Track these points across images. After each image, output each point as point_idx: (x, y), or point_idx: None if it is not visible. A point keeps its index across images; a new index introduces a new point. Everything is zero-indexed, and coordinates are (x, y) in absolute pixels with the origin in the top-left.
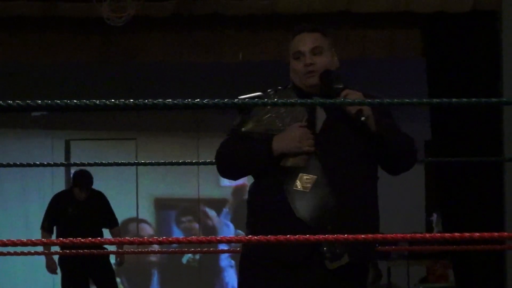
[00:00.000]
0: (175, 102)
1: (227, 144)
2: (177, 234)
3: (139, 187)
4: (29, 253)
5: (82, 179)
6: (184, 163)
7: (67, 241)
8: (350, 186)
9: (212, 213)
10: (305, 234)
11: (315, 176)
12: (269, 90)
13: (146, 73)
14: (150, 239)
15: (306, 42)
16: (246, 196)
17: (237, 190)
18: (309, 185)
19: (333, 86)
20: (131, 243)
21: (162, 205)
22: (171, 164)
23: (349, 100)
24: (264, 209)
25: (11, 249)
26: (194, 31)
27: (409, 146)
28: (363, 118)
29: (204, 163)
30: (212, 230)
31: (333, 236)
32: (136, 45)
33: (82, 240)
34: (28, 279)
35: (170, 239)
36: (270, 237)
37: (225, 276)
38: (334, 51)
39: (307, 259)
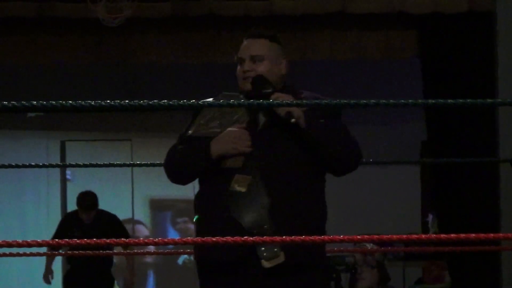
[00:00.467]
0: (171, 103)
1: (173, 149)
2: (173, 235)
3: (134, 188)
4: (25, 254)
5: (84, 201)
6: None
7: (63, 242)
8: (286, 186)
9: None
10: (242, 234)
11: (250, 177)
12: (224, 93)
13: (141, 74)
14: (146, 240)
15: (248, 48)
16: None
17: None
18: (244, 185)
19: (262, 91)
20: (126, 244)
21: (157, 206)
22: None
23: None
24: (206, 210)
25: (6, 250)
26: (189, 32)
27: (347, 148)
28: (292, 120)
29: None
30: None
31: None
32: (131, 46)
33: (84, 241)
34: (24, 281)
35: (165, 240)
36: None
37: None
38: (283, 57)
39: (244, 259)
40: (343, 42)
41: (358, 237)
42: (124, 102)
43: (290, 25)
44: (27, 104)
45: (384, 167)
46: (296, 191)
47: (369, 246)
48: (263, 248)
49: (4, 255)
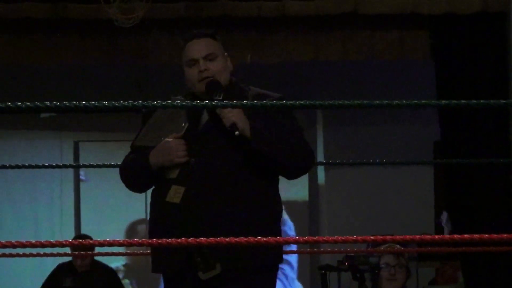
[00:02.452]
0: (184, 103)
1: (124, 159)
2: None
3: None
4: (38, 255)
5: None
6: None
7: (76, 242)
8: (225, 194)
9: None
10: (178, 248)
11: (183, 188)
12: (172, 97)
13: (154, 75)
14: (159, 241)
15: (199, 49)
16: None
17: None
18: (178, 196)
19: (213, 97)
20: (140, 244)
21: None
22: None
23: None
24: (150, 221)
25: (20, 250)
26: None
27: (296, 153)
28: (236, 133)
29: None
30: None
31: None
32: (145, 47)
33: (90, 241)
34: (37, 281)
35: (179, 241)
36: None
37: None
38: (227, 54)
39: (181, 270)
40: (355, 42)
41: (371, 237)
42: (138, 102)
43: (302, 26)
44: (40, 104)
45: (397, 168)
46: (237, 198)
47: (397, 246)
48: (199, 260)
49: (18, 255)
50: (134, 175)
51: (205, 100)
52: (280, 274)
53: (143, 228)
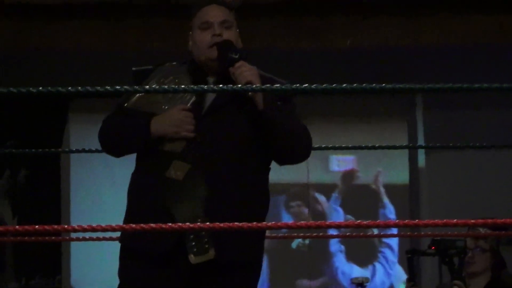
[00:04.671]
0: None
1: (109, 119)
2: (286, 219)
3: None
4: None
5: None
6: None
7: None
8: (227, 177)
9: (321, 198)
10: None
11: (189, 165)
12: (166, 64)
13: (254, 60)
14: (259, 224)
15: (216, 13)
16: (356, 181)
17: (347, 175)
18: (181, 173)
19: (228, 55)
20: (240, 228)
21: (271, 190)
22: None
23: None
24: (137, 197)
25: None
26: (302, 17)
27: (299, 135)
28: (250, 94)
29: (313, 148)
30: (322, 215)
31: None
32: (245, 31)
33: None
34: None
35: (279, 224)
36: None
37: (335, 261)
38: (238, 32)
39: (172, 252)
40: (455, 25)
41: (472, 221)
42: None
43: (401, 9)
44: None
45: (498, 151)
46: (237, 182)
47: (482, 230)
48: (193, 243)
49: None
50: (124, 138)
51: (211, 67)
52: (380, 258)
53: None
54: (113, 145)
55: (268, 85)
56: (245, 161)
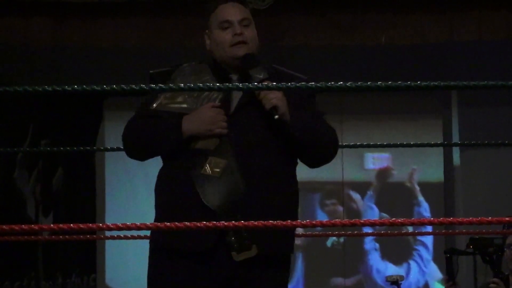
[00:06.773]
0: (319, 84)
1: (134, 122)
2: (321, 217)
3: None
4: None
5: None
6: None
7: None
8: (262, 172)
9: (356, 196)
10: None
11: (225, 161)
12: (184, 65)
13: (289, 56)
14: (294, 222)
15: (234, 12)
16: (390, 179)
17: (382, 173)
18: (218, 170)
19: (250, 73)
20: (274, 226)
21: (306, 188)
22: None
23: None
24: (170, 194)
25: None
26: (337, 13)
27: (325, 141)
28: (276, 117)
29: (348, 146)
30: (356, 213)
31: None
32: (280, 27)
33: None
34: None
35: (314, 222)
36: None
37: (370, 259)
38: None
39: (213, 249)
40: (490, 22)
41: (507, 218)
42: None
43: (437, 6)
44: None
45: None
46: (270, 178)
47: None
48: (233, 239)
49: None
50: (154, 140)
51: (232, 68)
52: (415, 256)
53: None
54: (141, 148)
55: (302, 82)
56: (276, 155)
